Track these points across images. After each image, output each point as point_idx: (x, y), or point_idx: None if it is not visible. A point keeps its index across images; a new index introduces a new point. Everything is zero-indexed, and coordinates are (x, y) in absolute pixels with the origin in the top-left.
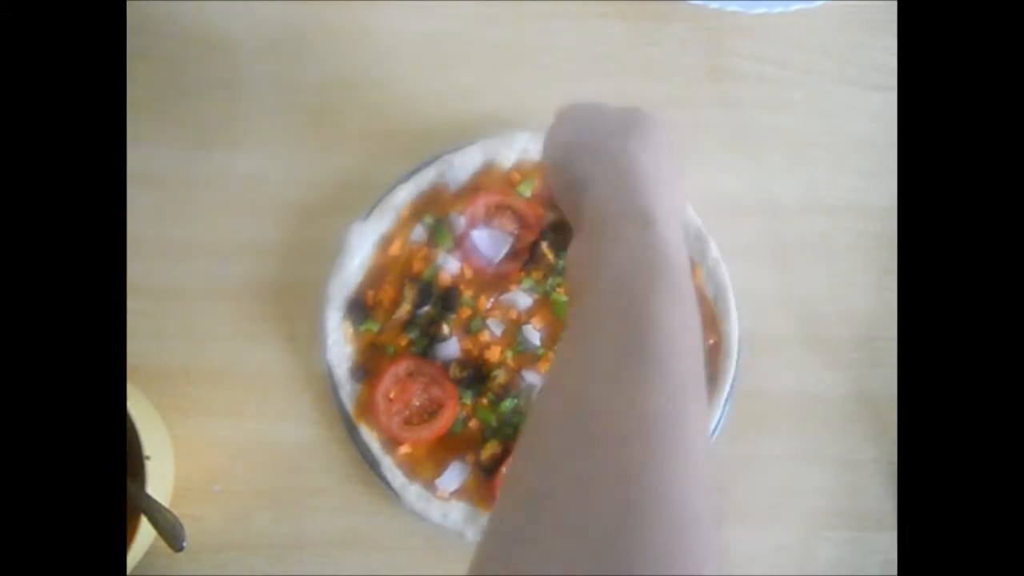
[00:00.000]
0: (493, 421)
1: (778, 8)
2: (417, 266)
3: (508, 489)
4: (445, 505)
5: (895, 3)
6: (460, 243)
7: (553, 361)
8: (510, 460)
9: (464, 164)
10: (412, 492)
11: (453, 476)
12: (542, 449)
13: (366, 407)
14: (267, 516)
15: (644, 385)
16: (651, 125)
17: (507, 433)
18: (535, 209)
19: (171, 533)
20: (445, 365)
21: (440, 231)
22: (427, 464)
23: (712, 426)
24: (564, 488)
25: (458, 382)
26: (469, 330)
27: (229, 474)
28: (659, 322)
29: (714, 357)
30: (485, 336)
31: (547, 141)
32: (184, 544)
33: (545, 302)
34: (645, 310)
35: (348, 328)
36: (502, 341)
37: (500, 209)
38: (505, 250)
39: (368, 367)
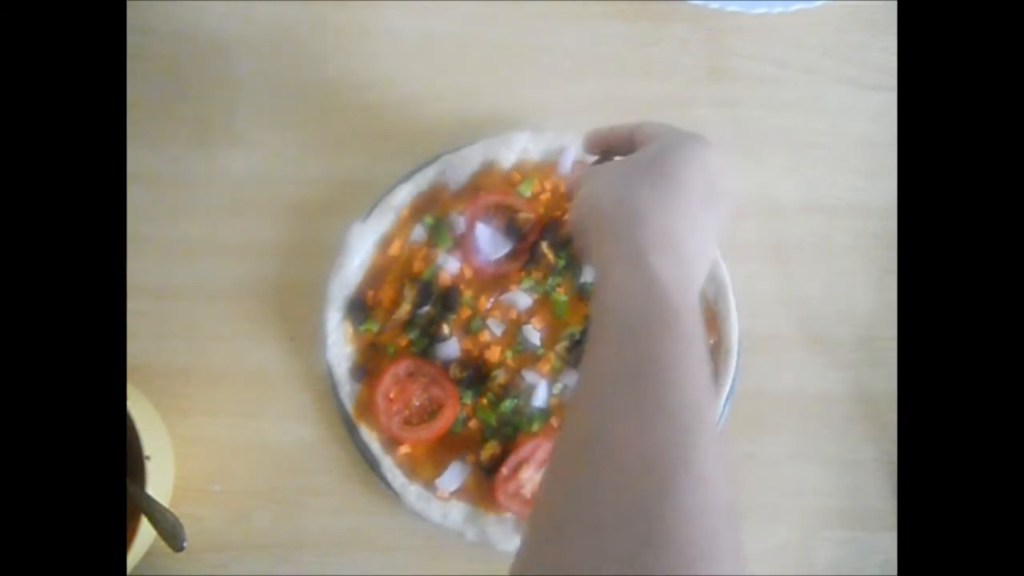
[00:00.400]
0: (493, 421)
1: (778, 8)
2: (417, 266)
3: (531, 521)
4: (445, 505)
5: (895, 3)
6: (460, 243)
7: (568, 402)
8: (536, 491)
9: (464, 164)
10: (412, 492)
11: (453, 476)
12: (557, 486)
13: (366, 407)
14: (267, 516)
15: (642, 422)
16: (669, 166)
17: (507, 433)
18: (535, 209)
19: (171, 533)
20: (445, 365)
21: (440, 231)
22: (427, 464)
23: None
24: (577, 527)
25: (458, 382)
26: (469, 330)
27: (229, 474)
28: (652, 359)
29: (714, 357)
30: (485, 336)
31: (578, 196)
32: (184, 544)
33: (545, 302)
34: (640, 349)
35: (348, 328)
36: (502, 341)
37: (500, 209)
38: (505, 250)
39: (368, 367)
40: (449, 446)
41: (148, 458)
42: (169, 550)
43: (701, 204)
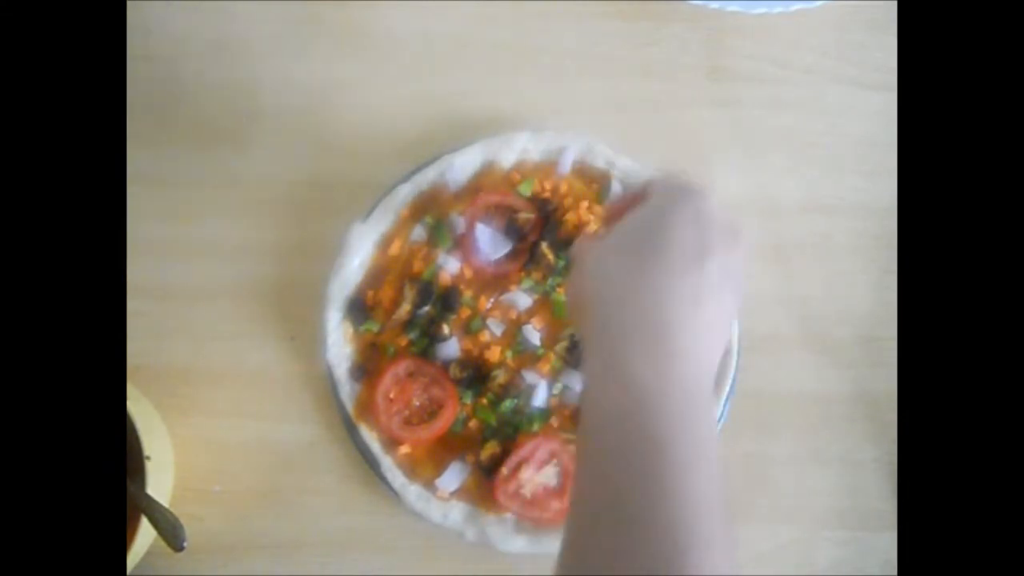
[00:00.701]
0: (493, 421)
1: (778, 8)
2: (417, 266)
3: None
4: (445, 505)
5: (895, 3)
6: (460, 243)
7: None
8: None
9: (464, 164)
10: (412, 492)
11: (453, 476)
12: None
13: (366, 407)
14: (267, 516)
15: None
16: (650, 234)
17: (507, 433)
18: (535, 210)
19: (171, 533)
20: (445, 365)
21: (440, 231)
22: (427, 464)
23: None
24: None
25: (458, 382)
26: (469, 330)
27: (229, 474)
28: (630, 499)
29: None
30: (485, 336)
31: (569, 277)
32: (184, 544)
33: (545, 302)
34: (621, 488)
35: (348, 328)
36: (502, 341)
37: (500, 209)
38: (505, 250)
39: (368, 367)
40: (449, 446)
41: (148, 458)
42: (169, 550)
43: (693, 272)
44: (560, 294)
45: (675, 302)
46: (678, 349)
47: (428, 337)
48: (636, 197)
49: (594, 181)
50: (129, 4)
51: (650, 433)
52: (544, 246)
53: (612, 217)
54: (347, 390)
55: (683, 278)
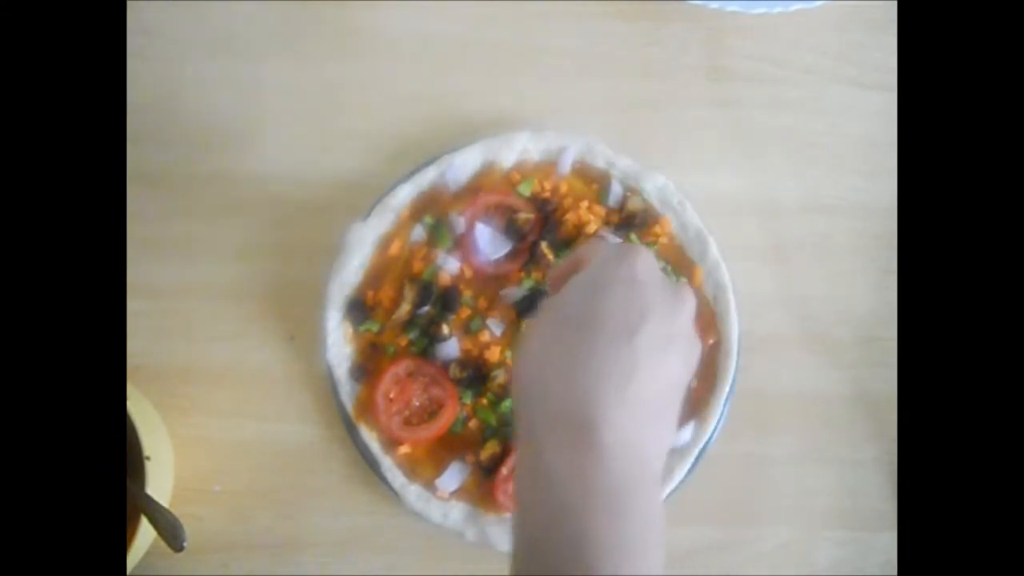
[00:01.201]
0: (493, 421)
1: (778, 8)
2: (417, 266)
3: None
4: (445, 505)
5: (895, 3)
6: (460, 243)
7: None
8: None
9: (464, 164)
10: (412, 492)
11: (453, 476)
12: None
13: (366, 407)
14: (267, 516)
15: None
16: (575, 310)
17: (507, 433)
18: (535, 210)
19: (171, 533)
20: (445, 365)
21: (440, 231)
22: (427, 464)
23: (712, 426)
24: None
25: (458, 382)
26: (469, 330)
27: (229, 474)
28: None
29: (714, 357)
30: (485, 336)
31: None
32: (184, 544)
33: None
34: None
35: (348, 328)
36: (502, 341)
37: (500, 209)
38: (505, 250)
39: (368, 367)
40: (449, 446)
41: (148, 458)
42: (169, 550)
43: (622, 346)
44: None
45: (601, 389)
46: (601, 444)
47: (428, 337)
48: (576, 263)
49: (594, 181)
50: (129, 4)
51: (570, 535)
52: (544, 246)
53: (554, 284)
54: (347, 390)
55: (612, 355)
